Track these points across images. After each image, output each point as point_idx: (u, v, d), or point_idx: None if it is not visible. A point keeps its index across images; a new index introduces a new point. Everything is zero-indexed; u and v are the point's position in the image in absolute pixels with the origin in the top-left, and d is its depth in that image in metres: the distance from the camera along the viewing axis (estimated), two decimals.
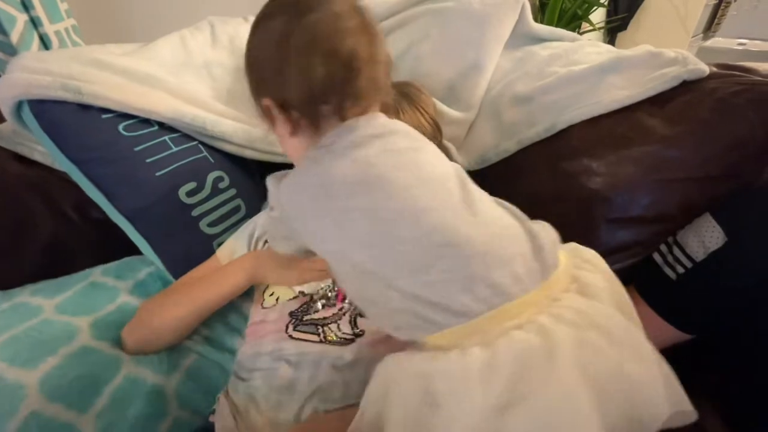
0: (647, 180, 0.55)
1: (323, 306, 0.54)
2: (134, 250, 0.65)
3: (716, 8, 2.66)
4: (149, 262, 0.66)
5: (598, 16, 2.47)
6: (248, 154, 0.74)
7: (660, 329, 0.55)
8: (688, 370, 0.43)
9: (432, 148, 0.40)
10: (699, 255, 0.52)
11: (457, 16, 0.77)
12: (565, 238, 0.40)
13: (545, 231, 0.37)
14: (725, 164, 0.50)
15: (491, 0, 0.80)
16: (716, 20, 2.71)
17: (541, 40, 0.79)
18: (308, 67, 0.36)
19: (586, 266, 0.38)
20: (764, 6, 2.65)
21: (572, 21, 1.85)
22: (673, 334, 0.55)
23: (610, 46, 0.73)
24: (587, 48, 0.72)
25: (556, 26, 1.78)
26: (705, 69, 0.53)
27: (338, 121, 0.38)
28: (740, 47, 1.80)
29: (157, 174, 0.58)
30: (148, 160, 0.58)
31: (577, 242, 0.41)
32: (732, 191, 0.51)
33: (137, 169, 0.57)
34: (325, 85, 0.36)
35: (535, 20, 0.82)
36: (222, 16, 0.94)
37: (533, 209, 0.39)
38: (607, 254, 0.59)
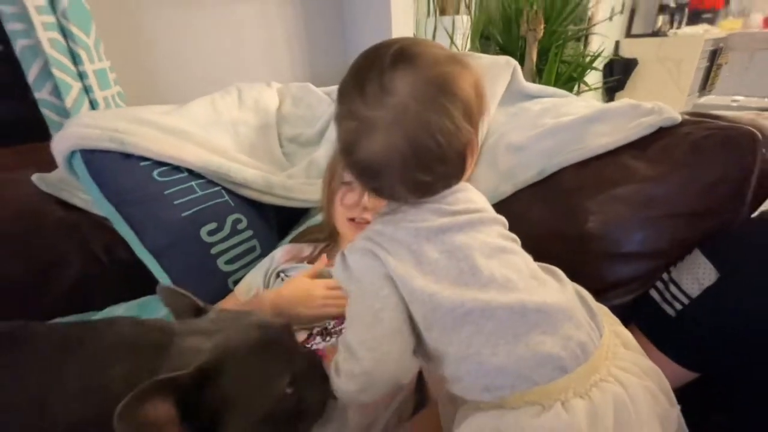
0: (637, 217, 0.58)
1: (322, 339, 0.56)
2: (155, 291, 0.70)
3: (708, 70, 2.83)
4: None
5: (594, 77, 2.64)
6: (266, 199, 0.81)
7: (666, 368, 0.54)
8: (699, 411, 0.43)
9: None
10: (694, 291, 0.53)
11: None
12: (567, 276, 0.43)
13: (585, 291, 0.43)
14: (704, 201, 0.53)
15: (485, 62, 0.90)
16: (710, 81, 2.86)
17: (532, 97, 0.87)
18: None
19: (612, 320, 0.44)
20: (754, 66, 2.81)
21: (568, 83, 1.99)
22: (679, 373, 0.54)
23: (595, 101, 0.80)
24: (575, 102, 0.79)
25: (553, 86, 1.92)
26: (678, 117, 0.59)
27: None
28: (734, 103, 1.88)
29: (183, 215, 0.64)
30: (176, 202, 0.64)
31: (577, 279, 0.45)
32: (718, 227, 0.54)
33: (165, 209, 0.63)
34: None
35: (533, 82, 0.91)
36: (248, 82, 1.07)
37: (532, 248, 0.43)
38: (606, 290, 0.62)
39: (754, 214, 0.55)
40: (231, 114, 0.94)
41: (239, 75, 1.24)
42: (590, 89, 2.32)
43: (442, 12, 1.76)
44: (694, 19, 3.02)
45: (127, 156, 0.64)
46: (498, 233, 0.42)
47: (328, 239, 0.72)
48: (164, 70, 1.10)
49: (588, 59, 2.12)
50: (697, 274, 0.53)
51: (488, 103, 0.41)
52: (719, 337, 0.51)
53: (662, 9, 2.86)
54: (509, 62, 0.90)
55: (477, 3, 1.91)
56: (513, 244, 0.43)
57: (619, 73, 2.92)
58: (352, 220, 0.65)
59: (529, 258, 0.42)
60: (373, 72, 0.35)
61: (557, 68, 1.96)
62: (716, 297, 0.50)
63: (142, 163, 0.66)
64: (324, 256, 0.64)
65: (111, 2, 0.96)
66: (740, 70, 2.88)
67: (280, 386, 0.36)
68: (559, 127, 0.70)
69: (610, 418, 0.32)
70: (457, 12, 1.81)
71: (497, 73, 0.88)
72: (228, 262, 0.68)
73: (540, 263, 0.42)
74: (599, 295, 0.47)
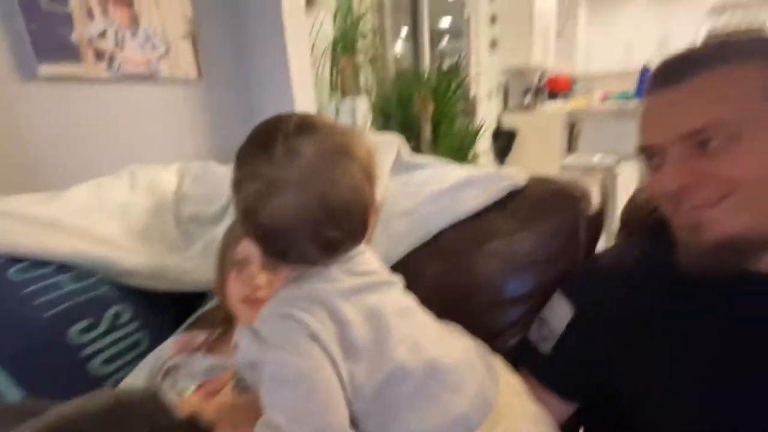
0: (506, 268, 0.66)
1: None
2: None
3: (569, 136, 3.45)
4: None
5: (485, 145, 3.05)
6: (158, 285, 0.76)
7: (551, 402, 0.59)
8: None
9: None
10: (559, 328, 0.60)
11: None
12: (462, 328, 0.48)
13: (481, 343, 0.47)
14: (550, 249, 0.64)
15: (376, 139, 1.01)
16: (572, 144, 3.48)
17: (418, 167, 0.99)
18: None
19: (505, 370, 0.48)
20: (600, 131, 3.50)
21: (460, 152, 2.27)
22: (563, 408, 0.59)
23: (467, 168, 0.93)
24: (452, 170, 0.92)
25: (447, 157, 2.19)
26: (523, 181, 0.71)
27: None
28: (589, 162, 2.32)
29: (46, 315, 0.57)
30: (36, 302, 0.57)
31: (470, 330, 0.50)
32: (566, 269, 0.64)
33: (22, 311, 0.56)
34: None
35: (432, 151, 1.03)
36: (145, 165, 1.04)
37: (429, 305, 0.47)
38: (495, 337, 0.67)
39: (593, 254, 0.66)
40: (121, 197, 0.89)
41: (138, 158, 1.20)
42: (482, 156, 2.67)
43: (343, 94, 1.94)
44: (552, 97, 3.74)
45: None
46: (400, 293, 0.45)
47: (224, 324, 0.69)
48: (43, 156, 1.03)
49: (474, 131, 2.47)
50: (559, 313, 0.61)
51: (380, 171, 0.45)
52: (583, 368, 0.57)
53: (527, 90, 3.51)
54: (395, 139, 1.02)
55: (376, 86, 2.16)
56: (414, 303, 0.45)
57: (504, 141, 3.43)
58: (246, 299, 0.63)
59: (429, 316, 0.45)
60: (278, 137, 0.37)
61: (450, 140, 2.25)
62: (574, 331, 0.58)
63: None
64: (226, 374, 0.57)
65: None
66: (591, 135, 3.58)
67: None
68: (439, 193, 0.80)
69: None
70: (357, 94, 2.02)
71: (386, 148, 0.98)
72: (105, 362, 0.60)
73: (439, 321, 0.46)
74: (489, 342, 0.52)
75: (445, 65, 2.59)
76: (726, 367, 0.44)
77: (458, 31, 3.39)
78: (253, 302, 0.62)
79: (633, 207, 0.65)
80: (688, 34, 4.98)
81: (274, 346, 0.36)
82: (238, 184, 0.39)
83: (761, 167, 0.41)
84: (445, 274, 0.71)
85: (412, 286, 0.48)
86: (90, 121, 1.12)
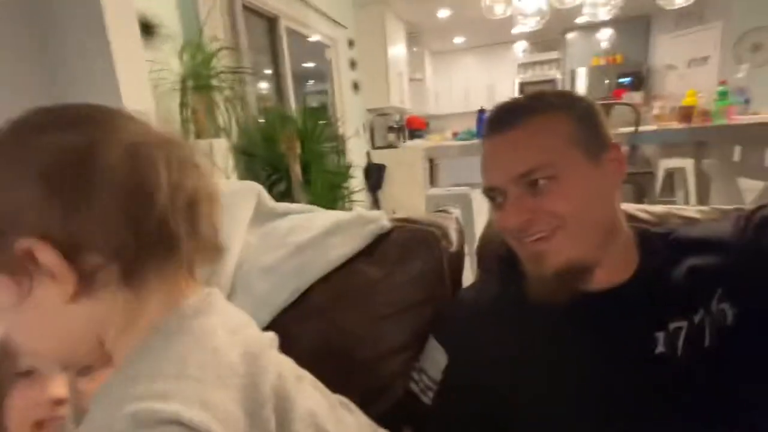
0: (380, 317, 0.63)
1: None
2: None
3: (431, 169, 3.82)
4: None
5: (357, 181, 3.14)
6: None
7: None
8: None
9: None
10: (437, 375, 0.58)
11: None
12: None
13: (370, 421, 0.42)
14: (420, 292, 0.64)
15: (229, 189, 0.90)
16: (432, 177, 3.86)
17: (281, 215, 0.91)
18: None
19: None
20: (455, 165, 3.97)
21: (333, 189, 2.27)
22: None
23: (334, 212, 0.89)
24: (318, 216, 0.87)
25: (322, 194, 2.17)
26: (388, 225, 0.71)
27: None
28: (448, 192, 2.58)
29: None
30: None
31: (351, 390, 0.44)
32: (436, 310, 0.64)
33: None
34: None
35: (305, 193, 0.96)
36: None
37: (307, 370, 0.40)
38: (380, 395, 0.62)
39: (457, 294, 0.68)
40: None
41: None
42: (356, 191, 2.73)
43: (198, 136, 1.76)
44: (412, 135, 4.13)
45: None
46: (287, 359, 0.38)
47: None
48: None
49: (345, 168, 2.52)
50: (434, 359, 0.59)
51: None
52: (464, 414, 0.56)
53: (390, 129, 3.80)
54: (254, 186, 0.92)
55: (236, 126, 2.02)
56: (303, 371, 0.39)
57: (375, 175, 3.60)
58: (41, 425, 0.45)
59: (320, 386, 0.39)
60: None
61: (321, 178, 2.23)
62: (450, 377, 0.57)
63: None
64: None
65: None
66: (448, 168, 4.03)
67: None
68: (303, 244, 0.74)
69: None
70: (215, 135, 1.85)
71: (242, 197, 0.88)
72: None
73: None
74: (378, 398, 0.46)
75: (311, 105, 2.61)
76: (581, 375, 0.48)
77: (322, 74, 3.50)
78: (51, 422, 0.45)
79: (486, 240, 0.70)
80: (507, 82, 6.22)
81: None
82: None
83: (576, 204, 0.48)
84: (318, 334, 0.64)
85: (284, 350, 0.40)
86: None
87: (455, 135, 4.05)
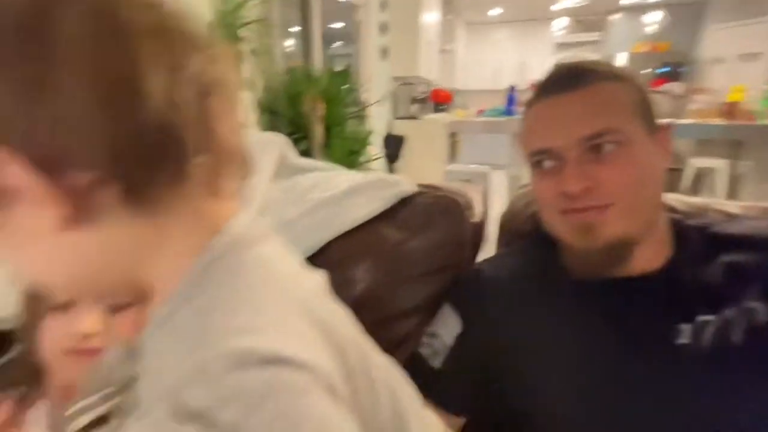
0: (396, 279, 0.63)
1: None
2: None
3: (452, 145, 3.75)
4: None
5: (375, 149, 3.11)
6: None
7: (443, 418, 0.57)
8: None
9: None
10: (449, 341, 0.59)
11: None
12: None
13: None
14: (438, 259, 0.63)
15: (256, 138, 0.89)
16: (453, 152, 3.79)
17: (304, 171, 0.90)
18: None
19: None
20: (477, 143, 3.89)
21: (351, 155, 2.25)
22: (451, 419, 0.58)
23: (356, 173, 0.88)
24: (339, 175, 0.86)
25: (340, 159, 2.15)
26: (411, 189, 0.70)
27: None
28: (468, 168, 2.54)
29: None
30: None
31: None
32: (453, 279, 0.64)
33: None
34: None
35: (324, 156, 0.95)
36: None
37: None
38: (384, 353, 0.63)
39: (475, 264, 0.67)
40: None
41: None
42: (372, 160, 2.70)
43: None
44: (436, 108, 4.02)
45: None
46: None
47: (30, 381, 0.50)
48: None
49: (365, 135, 2.48)
50: (448, 325, 0.60)
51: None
52: (473, 382, 0.57)
53: (414, 100, 3.70)
54: (278, 139, 0.92)
55: (262, 81, 1.99)
56: None
57: (394, 146, 3.54)
58: (72, 351, 0.47)
59: None
60: None
61: (341, 143, 2.21)
62: (463, 344, 0.57)
63: None
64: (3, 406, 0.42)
65: None
66: (470, 145, 3.95)
67: None
68: (324, 202, 0.73)
69: None
70: (240, 89, 1.83)
71: (268, 148, 0.88)
72: None
73: None
74: None
75: (337, 68, 2.54)
76: (607, 360, 0.47)
77: (349, 36, 3.39)
78: (83, 354, 0.46)
79: (511, 214, 0.68)
80: (541, 61, 5.96)
81: None
82: None
83: (637, 176, 0.46)
84: (332, 290, 0.65)
85: None
86: None
87: (480, 113, 3.93)
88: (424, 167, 3.46)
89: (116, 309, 0.47)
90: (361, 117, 2.72)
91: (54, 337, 0.46)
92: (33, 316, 0.48)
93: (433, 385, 0.59)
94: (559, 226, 0.51)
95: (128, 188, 0.21)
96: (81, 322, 0.46)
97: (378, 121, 3.26)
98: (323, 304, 0.28)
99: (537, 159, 0.50)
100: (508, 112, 2.84)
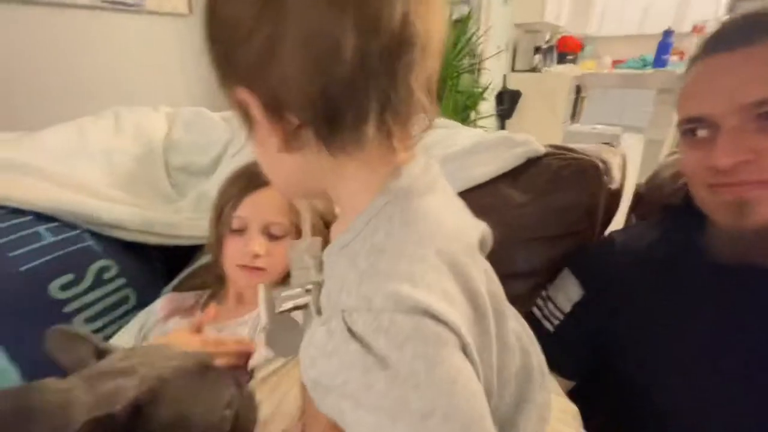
0: (514, 240, 0.63)
1: None
2: None
3: (575, 102, 3.34)
4: None
5: (487, 106, 2.94)
6: (146, 239, 0.72)
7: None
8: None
9: None
10: (566, 307, 0.58)
11: None
12: None
13: None
14: (564, 224, 0.61)
15: None
16: (577, 111, 3.38)
17: None
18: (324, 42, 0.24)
19: None
20: (607, 100, 3.39)
21: (463, 111, 2.17)
22: (561, 382, 0.59)
23: (479, 131, 0.87)
24: (461, 133, 0.86)
25: (451, 115, 2.10)
26: (541, 149, 0.67)
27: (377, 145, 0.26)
28: (594, 130, 2.25)
29: (22, 268, 0.53)
30: (12, 254, 0.53)
31: None
32: (577, 246, 0.61)
33: None
34: (358, 75, 0.24)
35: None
36: (131, 106, 0.96)
37: None
38: None
39: (606, 233, 0.63)
40: (104, 142, 0.82)
41: (122, 98, 1.11)
42: (484, 117, 2.57)
43: None
44: (561, 59, 3.56)
45: None
46: None
47: (217, 284, 0.66)
48: (19, 88, 0.93)
49: (480, 90, 2.36)
50: (567, 292, 0.59)
51: None
52: (588, 348, 0.56)
53: (537, 49, 3.33)
54: None
55: None
56: None
57: (507, 103, 3.29)
58: (244, 267, 0.59)
59: None
60: None
61: (455, 98, 2.15)
62: (581, 313, 0.56)
63: None
64: (212, 308, 0.55)
65: None
66: (597, 103, 3.46)
67: (219, 409, 0.35)
68: (447, 158, 0.75)
69: None
70: None
71: None
72: (89, 320, 0.57)
73: None
74: None
75: (455, 14, 2.40)
76: (740, 358, 0.43)
77: None
78: (251, 270, 0.58)
79: (654, 185, 0.61)
80: (708, 2, 4.72)
81: (404, 378, 0.22)
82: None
83: None
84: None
85: None
86: (64, 49, 1.02)
87: (616, 64, 3.37)
88: (539, 127, 3.16)
89: (275, 238, 0.58)
90: (477, 70, 2.58)
91: (231, 254, 0.59)
92: (219, 236, 0.62)
93: (543, 347, 0.60)
94: (706, 201, 0.45)
95: (318, 132, 0.26)
96: (251, 244, 0.58)
97: (494, 75, 3.04)
98: (474, 262, 0.29)
99: (689, 127, 0.44)
100: (658, 62, 2.32)
